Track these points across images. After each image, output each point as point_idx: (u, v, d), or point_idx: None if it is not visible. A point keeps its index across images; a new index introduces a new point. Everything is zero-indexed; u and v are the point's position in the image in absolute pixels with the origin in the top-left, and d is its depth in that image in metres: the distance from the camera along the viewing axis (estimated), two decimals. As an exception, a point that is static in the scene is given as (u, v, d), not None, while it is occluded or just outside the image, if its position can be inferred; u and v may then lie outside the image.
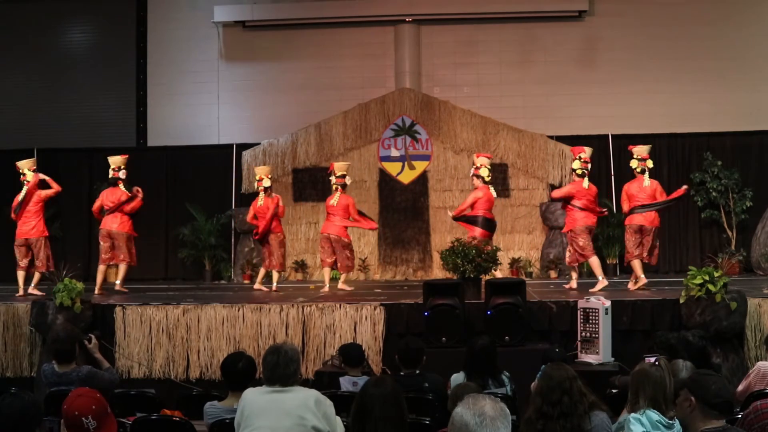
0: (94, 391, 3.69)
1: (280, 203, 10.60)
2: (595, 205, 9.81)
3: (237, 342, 8.19)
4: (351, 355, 6.18)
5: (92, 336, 5.96)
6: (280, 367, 4.04)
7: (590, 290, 8.94)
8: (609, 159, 13.58)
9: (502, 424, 2.68)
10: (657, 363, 3.93)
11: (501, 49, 14.19)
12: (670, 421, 3.72)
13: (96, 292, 9.94)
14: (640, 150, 9.74)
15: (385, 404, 3.38)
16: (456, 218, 10.28)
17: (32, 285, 10.24)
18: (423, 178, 13.77)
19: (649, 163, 9.69)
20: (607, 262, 13.11)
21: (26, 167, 10.51)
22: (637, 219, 9.47)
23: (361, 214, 10.84)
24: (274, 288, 10.48)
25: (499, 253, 9.20)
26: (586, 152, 9.90)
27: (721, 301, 7.44)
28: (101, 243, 10.39)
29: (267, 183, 10.62)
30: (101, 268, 10.43)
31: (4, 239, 13.23)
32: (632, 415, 3.76)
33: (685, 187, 9.98)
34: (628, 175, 10.27)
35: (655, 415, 3.72)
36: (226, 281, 13.53)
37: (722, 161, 13.29)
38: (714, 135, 13.60)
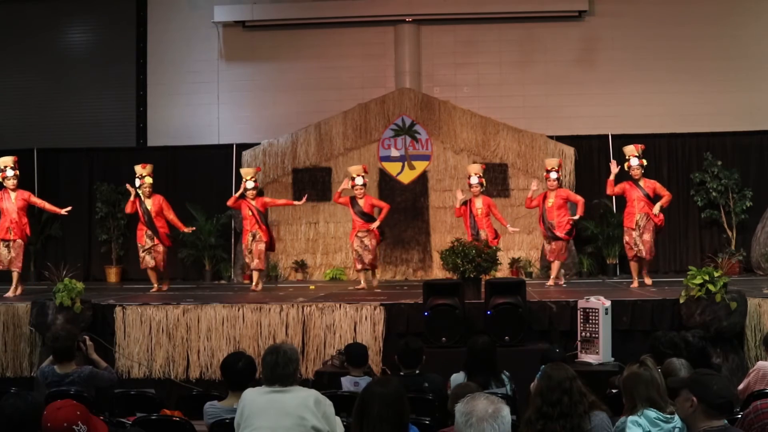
0: (69, 400, 3.66)
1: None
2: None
3: (237, 342, 8.19)
4: (355, 355, 6.13)
5: (86, 338, 5.97)
6: (280, 367, 4.04)
7: None
8: (609, 159, 13.53)
9: (489, 425, 2.67)
10: (643, 363, 3.91)
11: (501, 49, 14.19)
12: (669, 416, 3.71)
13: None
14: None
15: (384, 404, 3.37)
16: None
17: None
18: (423, 178, 13.76)
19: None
20: (607, 261, 13.12)
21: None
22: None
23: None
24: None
25: (499, 253, 9.22)
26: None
27: (721, 301, 7.45)
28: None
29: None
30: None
31: None
32: (630, 418, 3.74)
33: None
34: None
35: (652, 413, 3.71)
36: (226, 281, 13.52)
37: (722, 161, 13.28)
38: (714, 135, 13.59)
